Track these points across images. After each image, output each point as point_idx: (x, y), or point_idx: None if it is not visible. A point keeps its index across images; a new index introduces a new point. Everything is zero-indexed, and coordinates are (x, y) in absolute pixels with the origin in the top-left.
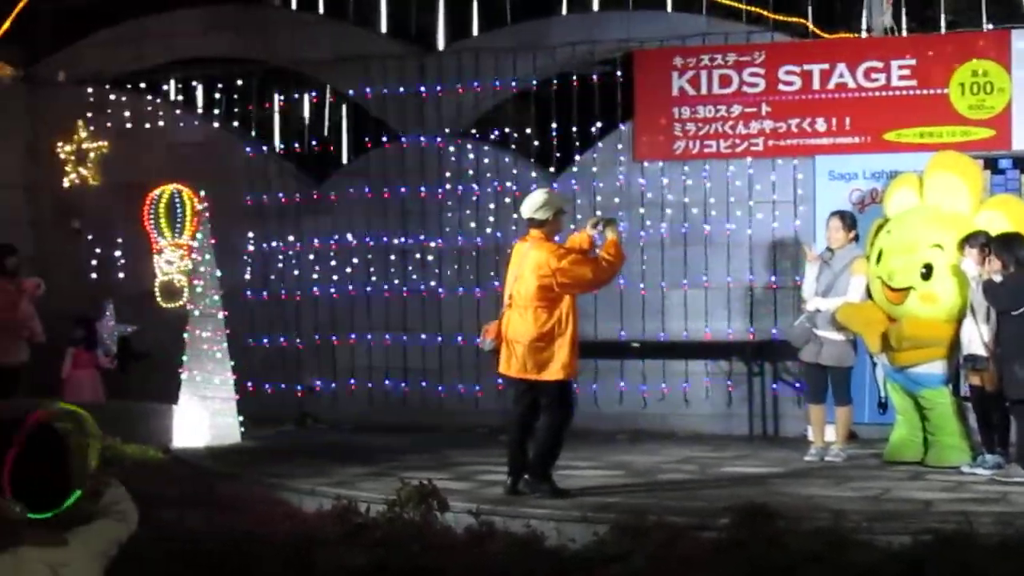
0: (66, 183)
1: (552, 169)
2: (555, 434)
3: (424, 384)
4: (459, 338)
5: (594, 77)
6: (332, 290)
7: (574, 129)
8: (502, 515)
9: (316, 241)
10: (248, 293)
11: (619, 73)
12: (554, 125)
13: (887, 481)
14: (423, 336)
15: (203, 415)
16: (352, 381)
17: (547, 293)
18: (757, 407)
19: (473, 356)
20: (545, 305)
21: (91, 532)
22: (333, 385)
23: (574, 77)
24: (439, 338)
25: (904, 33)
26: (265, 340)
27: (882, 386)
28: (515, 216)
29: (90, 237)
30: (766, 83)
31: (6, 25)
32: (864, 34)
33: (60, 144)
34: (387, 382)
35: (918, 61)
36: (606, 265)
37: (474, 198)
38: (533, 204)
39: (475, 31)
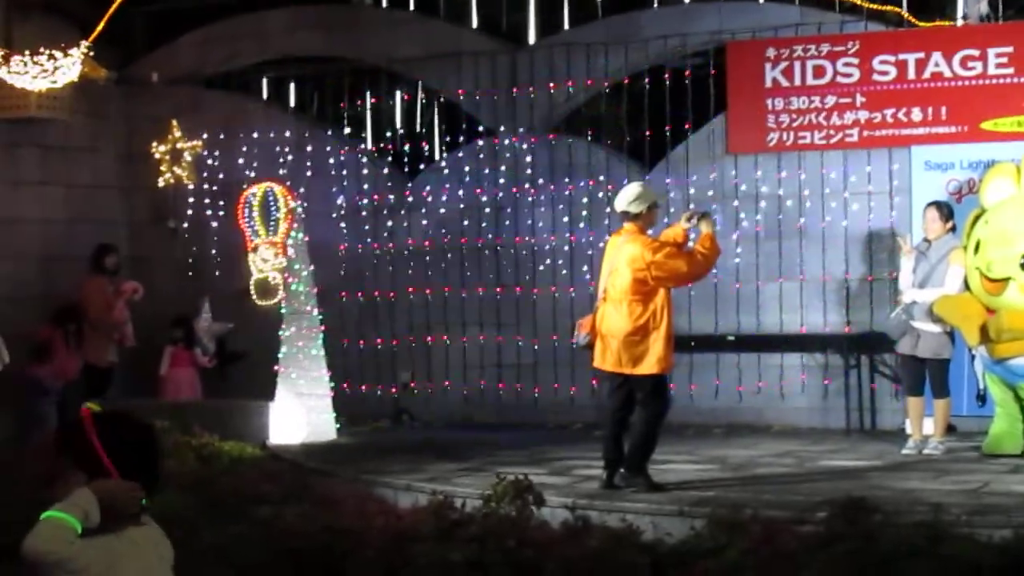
0: (161, 183)
1: (645, 163)
2: (651, 428)
3: (519, 381)
4: (553, 334)
5: (686, 70)
6: (427, 286)
7: (667, 123)
8: (598, 509)
9: (409, 239)
10: (342, 291)
11: (711, 65)
12: (646, 119)
13: (987, 474)
14: (517, 333)
15: (299, 412)
16: (447, 378)
17: (642, 287)
18: (854, 400)
19: (567, 352)
20: (640, 299)
21: (148, 520)
22: (428, 382)
23: (666, 70)
24: (533, 335)
25: (1001, 20)
26: (360, 339)
27: (980, 378)
28: (608, 211)
29: (186, 236)
30: (860, 73)
31: (100, 27)
32: (960, 22)
33: (155, 144)
34: (482, 379)
35: (1015, 48)
36: (701, 258)
37: (567, 194)
38: (627, 197)
39: (566, 25)
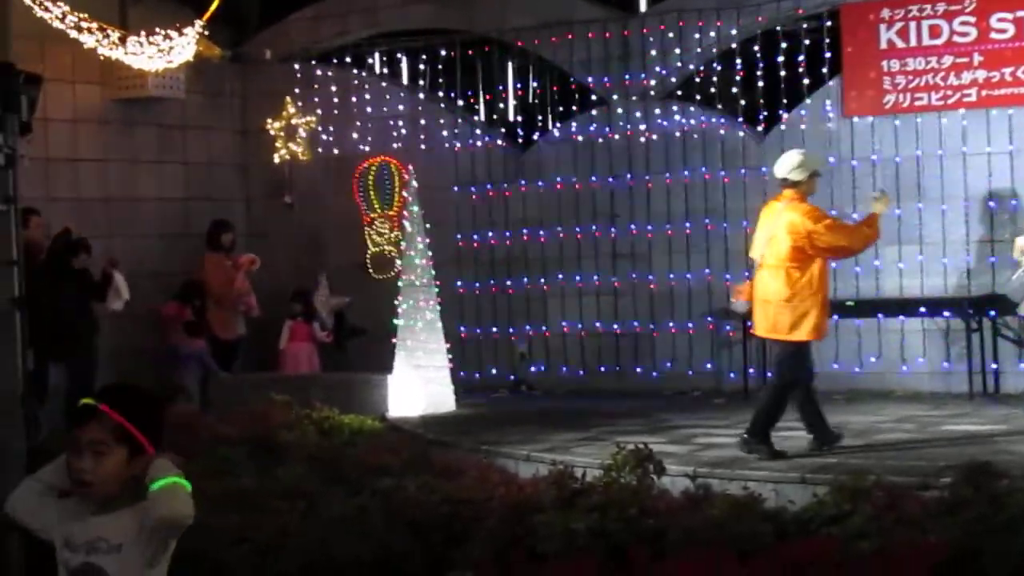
0: (276, 159)
1: (760, 128)
2: (781, 395)
3: (636, 349)
4: (671, 302)
5: (800, 33)
6: (543, 258)
7: (781, 87)
8: (719, 478)
9: (523, 208)
10: (459, 261)
11: (826, 28)
12: (760, 84)
13: None
14: (634, 301)
15: (417, 384)
16: (565, 348)
17: (800, 254)
18: (976, 364)
19: (685, 319)
20: (797, 265)
21: None
22: (547, 349)
23: (780, 34)
24: (651, 303)
25: None
26: (476, 312)
27: None
28: (723, 177)
29: (301, 211)
30: (978, 32)
31: (214, 6)
32: None
33: (269, 121)
34: (600, 348)
35: None
36: (862, 236)
37: (681, 160)
38: (788, 165)
39: None
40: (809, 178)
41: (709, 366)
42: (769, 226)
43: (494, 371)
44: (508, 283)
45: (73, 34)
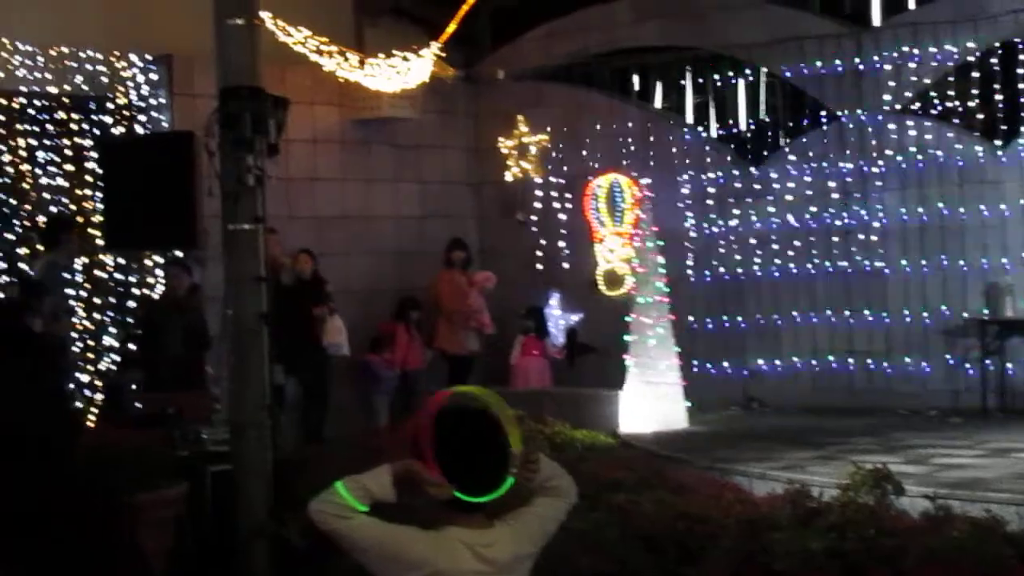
0: (509, 177)
1: (998, 142)
2: None
3: (870, 365)
4: (906, 317)
5: None
6: (775, 272)
7: (1020, 99)
8: (960, 499)
9: (757, 224)
10: (691, 278)
11: None
12: (999, 96)
13: None
14: (868, 316)
15: (649, 400)
16: (797, 363)
17: None
18: None
19: (921, 336)
20: None
21: (524, 515)
22: (778, 367)
23: (1019, 46)
24: (885, 318)
25: None
26: (709, 324)
27: None
28: (959, 190)
29: (534, 229)
30: None
31: (451, 28)
32: None
33: (501, 139)
34: (832, 363)
35: None
36: None
37: (917, 174)
38: None
39: (911, 4)
40: None
41: (945, 385)
42: None
43: (727, 379)
44: (742, 296)
45: (313, 57)
